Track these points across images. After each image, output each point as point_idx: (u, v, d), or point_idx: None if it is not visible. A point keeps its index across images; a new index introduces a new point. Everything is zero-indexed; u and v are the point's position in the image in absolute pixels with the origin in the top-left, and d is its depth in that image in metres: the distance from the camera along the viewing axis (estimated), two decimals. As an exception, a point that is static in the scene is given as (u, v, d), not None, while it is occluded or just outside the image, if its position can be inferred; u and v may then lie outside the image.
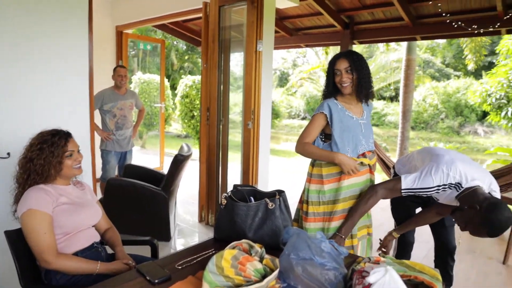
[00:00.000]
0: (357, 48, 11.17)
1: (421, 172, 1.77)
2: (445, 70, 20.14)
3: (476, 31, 4.17)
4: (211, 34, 3.58)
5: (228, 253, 1.26)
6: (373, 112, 16.29)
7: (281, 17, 5.69)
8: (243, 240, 1.39)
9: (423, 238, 2.98)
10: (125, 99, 3.91)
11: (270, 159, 8.86)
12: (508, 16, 3.90)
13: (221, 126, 3.64)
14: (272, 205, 1.56)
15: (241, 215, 1.56)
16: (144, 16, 4.99)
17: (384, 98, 19.10)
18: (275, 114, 10.96)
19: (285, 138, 15.05)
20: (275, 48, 6.66)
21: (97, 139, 3.64)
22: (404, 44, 7.70)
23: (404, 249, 2.38)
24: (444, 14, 4.28)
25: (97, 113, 3.76)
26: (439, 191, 1.74)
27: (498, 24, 3.99)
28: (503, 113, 7.52)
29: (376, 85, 11.64)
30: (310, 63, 20.90)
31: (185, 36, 6.81)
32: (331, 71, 1.96)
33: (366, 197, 1.89)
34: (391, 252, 2.55)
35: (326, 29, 5.67)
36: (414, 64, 7.60)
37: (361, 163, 1.95)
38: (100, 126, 3.87)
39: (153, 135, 10.07)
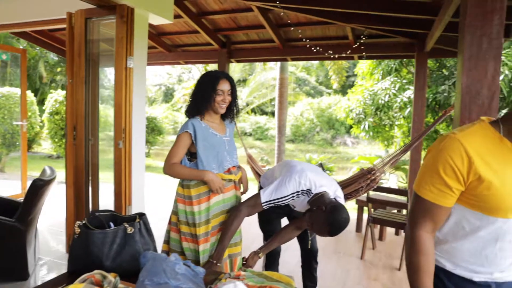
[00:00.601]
0: (238, 66, 11.66)
1: (277, 184, 1.92)
2: (318, 88, 22.40)
3: (332, 56, 4.74)
4: (77, 47, 3.33)
5: (73, 288, 1.16)
6: (256, 126, 17.00)
7: (159, 33, 5.62)
8: (95, 271, 1.30)
9: (295, 246, 3.21)
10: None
11: (154, 177, 8.51)
12: (356, 45, 4.55)
13: (90, 146, 3.38)
14: (131, 230, 1.49)
15: (97, 243, 1.46)
16: (-4, 22, 4.38)
17: (266, 113, 20.28)
18: (158, 131, 10.66)
19: (171, 155, 14.66)
20: (154, 64, 6.56)
21: None
22: (278, 63, 8.32)
23: (272, 258, 2.52)
24: (304, 40, 4.77)
25: None
26: (294, 198, 1.91)
27: (349, 51, 4.62)
28: (362, 126, 8.65)
29: (257, 101, 12.33)
30: (195, 79, 21.02)
31: (52, 47, 6.21)
32: (213, 89, 1.95)
33: (230, 218, 1.95)
34: (261, 263, 2.68)
35: (204, 47, 5.79)
36: (286, 83, 8.26)
37: (229, 180, 2.02)
38: None
39: (17, 156, 8.81)
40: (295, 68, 20.71)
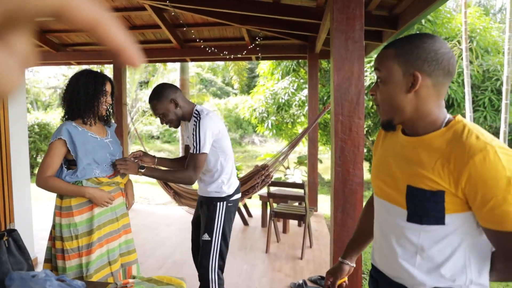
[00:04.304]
0: (141, 66, 11.18)
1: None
2: (225, 89, 22.65)
3: (229, 56, 4.84)
4: None
5: None
6: (164, 129, 16.52)
7: (44, 31, 5.11)
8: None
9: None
10: None
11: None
12: (252, 46, 4.71)
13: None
14: (-3, 250, 1.33)
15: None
16: None
17: (173, 115, 19.87)
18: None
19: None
20: (40, 64, 5.94)
21: None
22: (178, 64, 8.20)
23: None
24: (198, 40, 4.78)
25: None
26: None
27: (245, 51, 4.76)
28: (265, 125, 8.98)
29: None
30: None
31: None
32: (100, 90, 1.84)
33: (179, 179, 2.02)
34: None
35: (97, 47, 5.43)
36: (187, 83, 8.20)
37: (116, 184, 1.92)
38: None
39: None
40: (201, 69, 20.64)
